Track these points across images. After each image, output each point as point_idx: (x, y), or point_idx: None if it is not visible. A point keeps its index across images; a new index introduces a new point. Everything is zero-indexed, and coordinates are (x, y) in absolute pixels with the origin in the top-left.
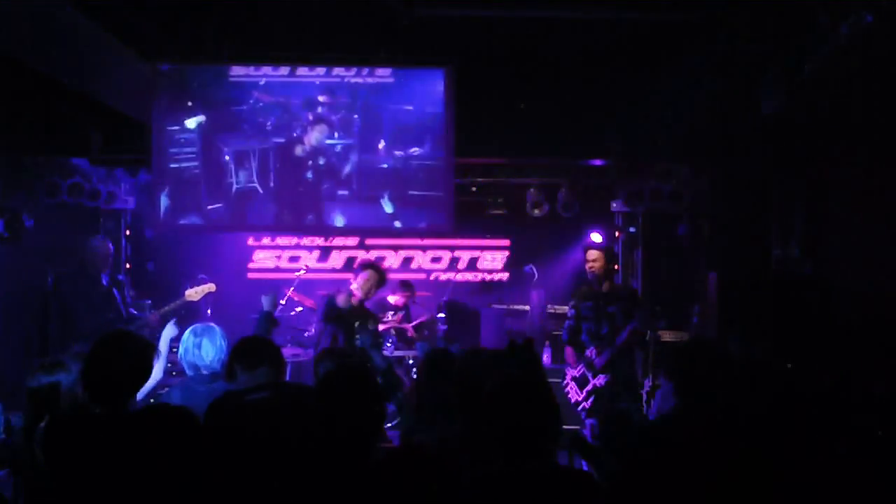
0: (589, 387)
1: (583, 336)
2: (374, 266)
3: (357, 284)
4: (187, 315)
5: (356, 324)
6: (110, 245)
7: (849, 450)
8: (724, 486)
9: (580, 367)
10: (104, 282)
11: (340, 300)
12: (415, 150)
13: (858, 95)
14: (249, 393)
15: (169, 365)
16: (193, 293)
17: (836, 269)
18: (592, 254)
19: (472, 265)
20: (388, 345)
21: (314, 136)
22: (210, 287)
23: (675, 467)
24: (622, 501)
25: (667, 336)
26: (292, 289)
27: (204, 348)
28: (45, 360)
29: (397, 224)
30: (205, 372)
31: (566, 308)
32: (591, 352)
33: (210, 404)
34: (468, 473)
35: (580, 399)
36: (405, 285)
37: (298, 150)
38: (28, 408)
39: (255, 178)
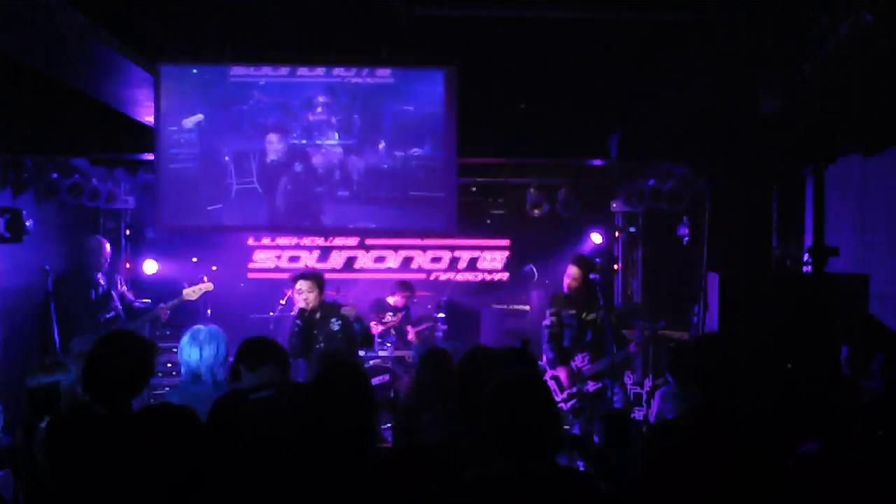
0: (572, 390)
1: (565, 342)
2: (305, 275)
3: (296, 295)
4: (188, 315)
5: (314, 331)
6: (107, 244)
7: (848, 450)
8: (737, 484)
9: (564, 370)
10: (102, 281)
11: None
12: (415, 151)
13: (858, 95)
14: (253, 392)
15: (169, 365)
16: (191, 292)
17: (837, 268)
18: (574, 271)
19: (472, 265)
20: (388, 345)
21: (305, 136)
22: (208, 286)
23: (694, 467)
24: (636, 502)
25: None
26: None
27: (202, 352)
28: (45, 360)
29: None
30: (200, 375)
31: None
32: (579, 360)
33: (214, 403)
34: (468, 473)
35: (557, 399)
36: (404, 285)
37: (298, 151)
38: (27, 408)
39: (255, 178)
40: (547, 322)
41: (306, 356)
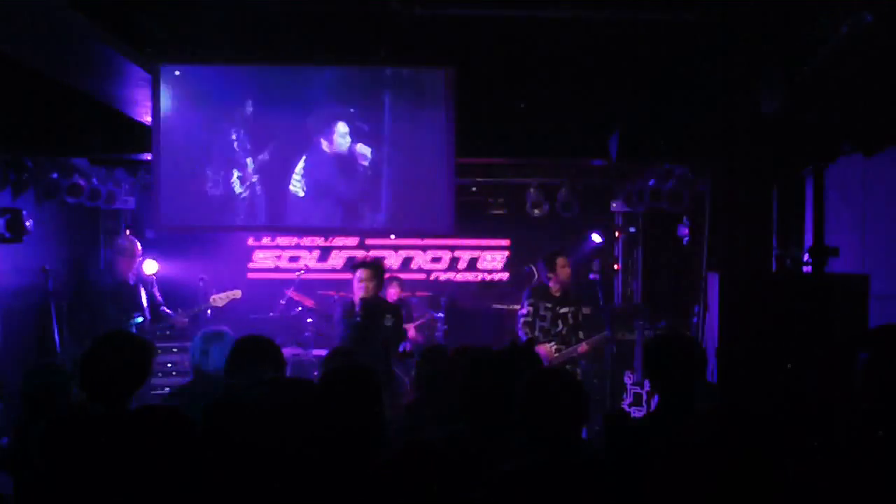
0: None
1: (537, 332)
2: (367, 264)
3: (357, 284)
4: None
5: (367, 320)
6: (138, 244)
7: (848, 450)
8: (716, 485)
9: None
10: (131, 281)
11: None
12: (415, 151)
13: (858, 95)
14: (247, 391)
15: (169, 365)
16: (219, 299)
17: (836, 268)
18: (565, 261)
19: (472, 265)
20: None
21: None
22: (235, 293)
23: (659, 466)
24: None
25: None
26: (292, 289)
27: (212, 354)
28: (41, 361)
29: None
30: (208, 376)
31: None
32: (548, 348)
33: (210, 403)
34: (473, 473)
35: None
36: (397, 281)
37: (298, 151)
38: (23, 409)
39: (255, 178)
40: (523, 311)
41: (361, 349)
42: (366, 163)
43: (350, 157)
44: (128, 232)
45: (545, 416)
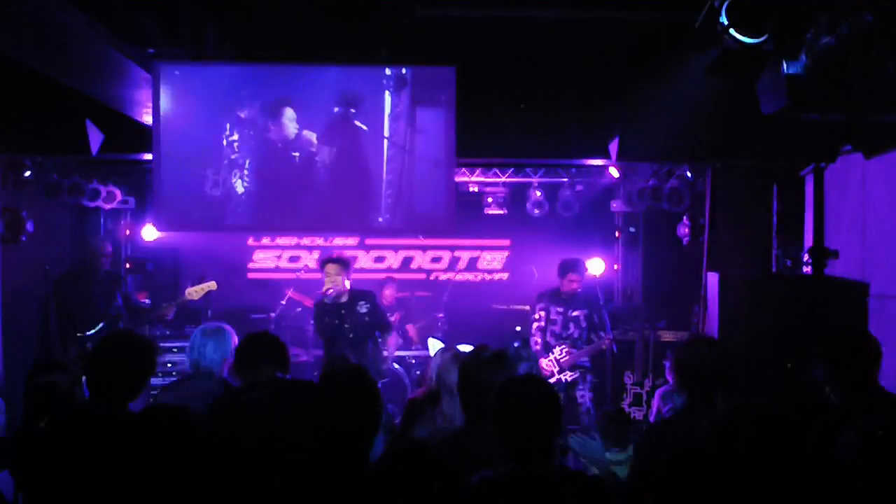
0: (553, 380)
1: (549, 336)
2: (331, 259)
3: (325, 279)
4: (189, 316)
5: (342, 314)
6: (108, 242)
7: (849, 450)
8: (729, 484)
9: (546, 360)
10: (103, 279)
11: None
12: (415, 150)
13: (858, 95)
14: (247, 392)
15: (169, 365)
16: (194, 291)
17: (836, 268)
18: (576, 277)
19: (472, 265)
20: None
21: (313, 135)
22: (211, 285)
23: (681, 467)
24: (630, 502)
25: (667, 336)
26: (292, 289)
27: (209, 349)
28: (44, 360)
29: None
30: (203, 371)
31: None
32: (559, 351)
33: (210, 406)
34: (472, 474)
35: None
36: (393, 282)
37: (299, 151)
38: (26, 408)
39: (255, 178)
40: (535, 316)
41: (335, 340)
42: (313, 148)
43: (296, 145)
44: (128, 232)
45: (517, 426)
